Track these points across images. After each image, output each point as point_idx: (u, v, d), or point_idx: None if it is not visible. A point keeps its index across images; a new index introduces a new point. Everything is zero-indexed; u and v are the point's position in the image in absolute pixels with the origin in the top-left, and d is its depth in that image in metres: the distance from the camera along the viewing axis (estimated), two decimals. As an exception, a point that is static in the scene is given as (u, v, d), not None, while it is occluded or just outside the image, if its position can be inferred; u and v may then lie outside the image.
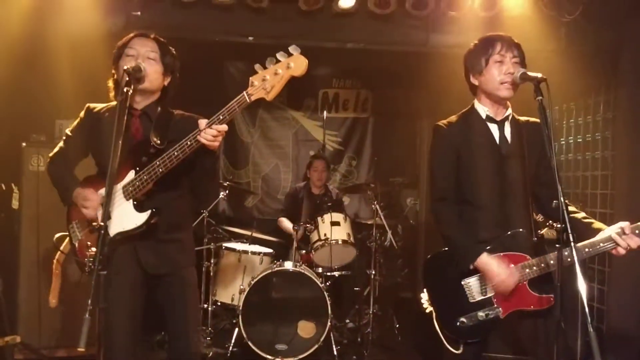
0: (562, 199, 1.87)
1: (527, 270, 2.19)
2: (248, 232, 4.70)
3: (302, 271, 4.19)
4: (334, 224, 4.46)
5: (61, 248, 2.99)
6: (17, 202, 3.84)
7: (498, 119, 2.34)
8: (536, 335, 2.23)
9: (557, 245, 1.89)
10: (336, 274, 4.55)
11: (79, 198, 2.32)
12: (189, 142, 2.12)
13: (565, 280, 1.90)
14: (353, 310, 4.87)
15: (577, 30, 3.84)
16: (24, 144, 3.79)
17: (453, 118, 2.42)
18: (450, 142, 2.34)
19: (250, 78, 2.14)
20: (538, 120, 2.27)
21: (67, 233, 2.49)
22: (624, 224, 2.09)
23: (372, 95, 6.32)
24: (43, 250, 3.74)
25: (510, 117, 2.36)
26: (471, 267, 2.25)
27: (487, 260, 2.20)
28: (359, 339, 4.54)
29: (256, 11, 3.87)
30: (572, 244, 1.83)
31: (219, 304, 4.46)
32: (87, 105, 2.48)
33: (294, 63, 2.13)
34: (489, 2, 3.80)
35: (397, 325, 4.78)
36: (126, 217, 2.23)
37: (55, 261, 3.22)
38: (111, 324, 2.08)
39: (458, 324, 2.24)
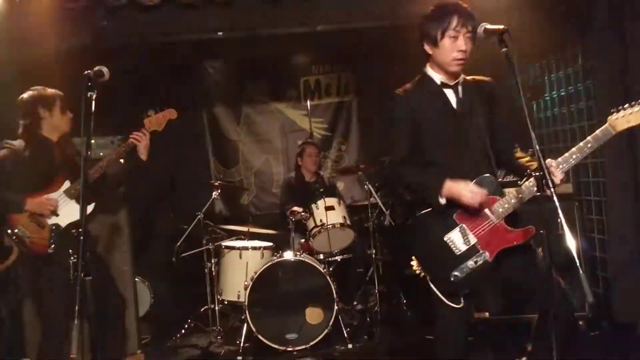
0: (537, 147, 1.86)
1: (501, 209, 2.29)
2: (246, 229, 4.71)
3: (303, 259, 4.20)
4: (329, 208, 4.46)
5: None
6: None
7: (451, 83, 2.41)
8: (526, 267, 2.31)
9: (537, 193, 1.89)
10: (337, 258, 4.56)
11: (39, 205, 2.97)
12: (114, 155, 3.13)
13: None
14: (359, 291, 4.89)
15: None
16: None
17: (408, 86, 2.47)
18: (408, 108, 2.40)
19: (144, 120, 3.24)
20: (485, 78, 2.46)
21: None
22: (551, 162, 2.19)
23: (353, 76, 6.30)
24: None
25: (461, 80, 2.43)
26: (443, 201, 2.30)
27: (452, 184, 2.28)
28: (368, 319, 4.55)
29: (222, 5, 3.84)
30: (552, 189, 1.82)
31: (226, 302, 4.47)
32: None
33: (170, 112, 3.30)
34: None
35: (405, 301, 4.79)
36: (75, 211, 3.02)
37: None
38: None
39: (452, 278, 2.29)
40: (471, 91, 2.41)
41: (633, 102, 2.19)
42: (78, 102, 2.87)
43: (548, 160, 2.10)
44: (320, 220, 4.42)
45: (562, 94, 4.60)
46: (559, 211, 1.78)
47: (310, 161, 5.10)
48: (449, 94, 2.40)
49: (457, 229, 2.34)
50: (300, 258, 4.21)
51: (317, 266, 4.18)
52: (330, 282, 4.11)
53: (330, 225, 4.38)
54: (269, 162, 6.33)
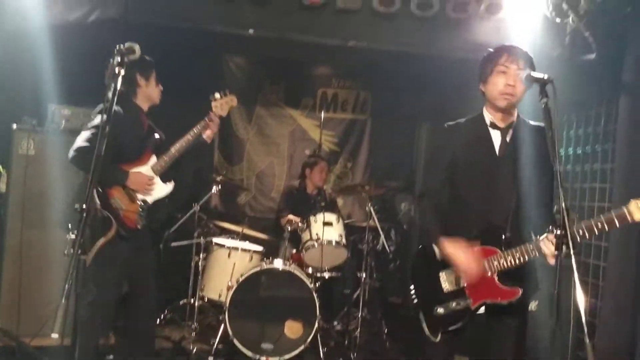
0: (563, 204, 1.81)
1: (496, 262, 2.29)
2: (239, 229, 4.63)
3: (292, 270, 4.12)
4: (327, 224, 4.39)
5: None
6: (4, 185, 3.74)
7: (501, 126, 2.42)
8: (506, 337, 2.39)
9: (555, 252, 1.83)
10: (326, 275, 4.47)
11: (139, 183, 3.01)
12: (195, 131, 3.19)
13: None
14: (342, 312, 4.80)
15: (581, 38, 3.79)
16: (14, 126, 3.69)
17: (461, 120, 2.52)
18: (448, 143, 2.48)
19: (213, 104, 3.29)
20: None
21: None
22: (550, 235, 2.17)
23: (371, 96, 6.26)
24: (27, 235, 3.64)
25: (515, 124, 2.42)
26: (439, 258, 2.41)
27: (449, 246, 2.31)
28: (346, 342, 4.46)
29: (258, 3, 3.79)
30: (572, 250, 1.76)
31: (206, 299, 4.37)
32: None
33: (232, 99, 3.35)
34: (495, 5, 3.74)
35: (386, 330, 4.71)
36: (160, 187, 3.16)
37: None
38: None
39: (435, 313, 2.38)
40: (524, 136, 2.38)
41: None
42: (98, 74, 2.81)
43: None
44: (317, 234, 4.34)
45: (579, 152, 4.57)
46: (575, 273, 1.71)
47: (319, 176, 5.05)
48: (495, 135, 2.42)
49: (452, 268, 2.38)
50: (289, 269, 4.14)
51: (305, 280, 4.10)
52: (315, 298, 4.03)
53: (325, 241, 4.31)
54: (273, 166, 6.27)
